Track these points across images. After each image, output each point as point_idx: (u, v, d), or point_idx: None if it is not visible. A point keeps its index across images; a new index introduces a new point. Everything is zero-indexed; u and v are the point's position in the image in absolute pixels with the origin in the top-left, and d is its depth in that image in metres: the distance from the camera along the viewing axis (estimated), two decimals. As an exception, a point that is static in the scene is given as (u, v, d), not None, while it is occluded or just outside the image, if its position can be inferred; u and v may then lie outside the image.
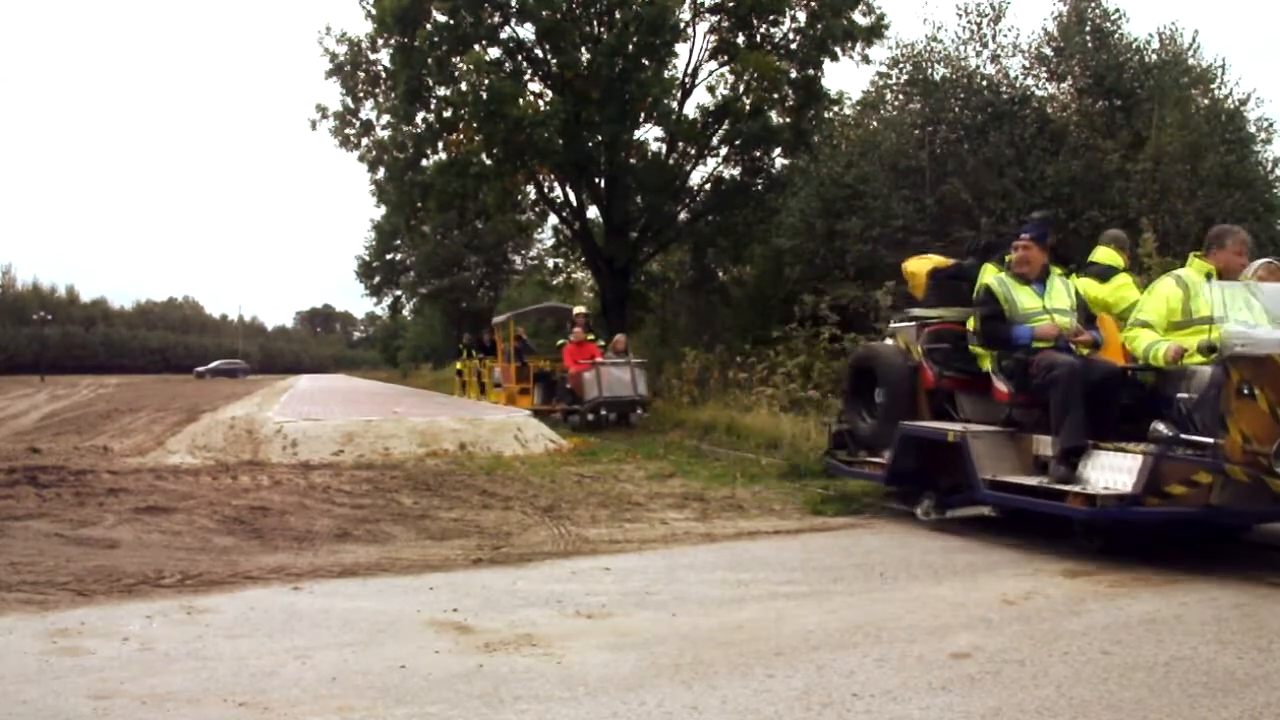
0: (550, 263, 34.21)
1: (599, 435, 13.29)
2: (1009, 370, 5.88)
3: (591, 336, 15.75)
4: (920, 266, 7.21)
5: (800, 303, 12.24)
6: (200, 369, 71.33)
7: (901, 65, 20.32)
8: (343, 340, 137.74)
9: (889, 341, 7.18)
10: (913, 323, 6.84)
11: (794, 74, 21.25)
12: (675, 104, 21.33)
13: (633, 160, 21.97)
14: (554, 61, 20.40)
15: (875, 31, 20.88)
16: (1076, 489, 5.17)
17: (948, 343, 6.54)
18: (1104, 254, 6.71)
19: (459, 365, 24.47)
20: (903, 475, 6.53)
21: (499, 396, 18.57)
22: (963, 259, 7.22)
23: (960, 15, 19.21)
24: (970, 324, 6.36)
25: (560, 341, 16.51)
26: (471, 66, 18.73)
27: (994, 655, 3.57)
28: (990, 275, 6.26)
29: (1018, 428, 5.87)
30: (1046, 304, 5.98)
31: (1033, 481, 5.50)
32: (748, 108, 21.33)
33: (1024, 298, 5.98)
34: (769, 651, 3.66)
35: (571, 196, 23.11)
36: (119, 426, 16.43)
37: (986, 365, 6.12)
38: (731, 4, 20.77)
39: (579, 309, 16.88)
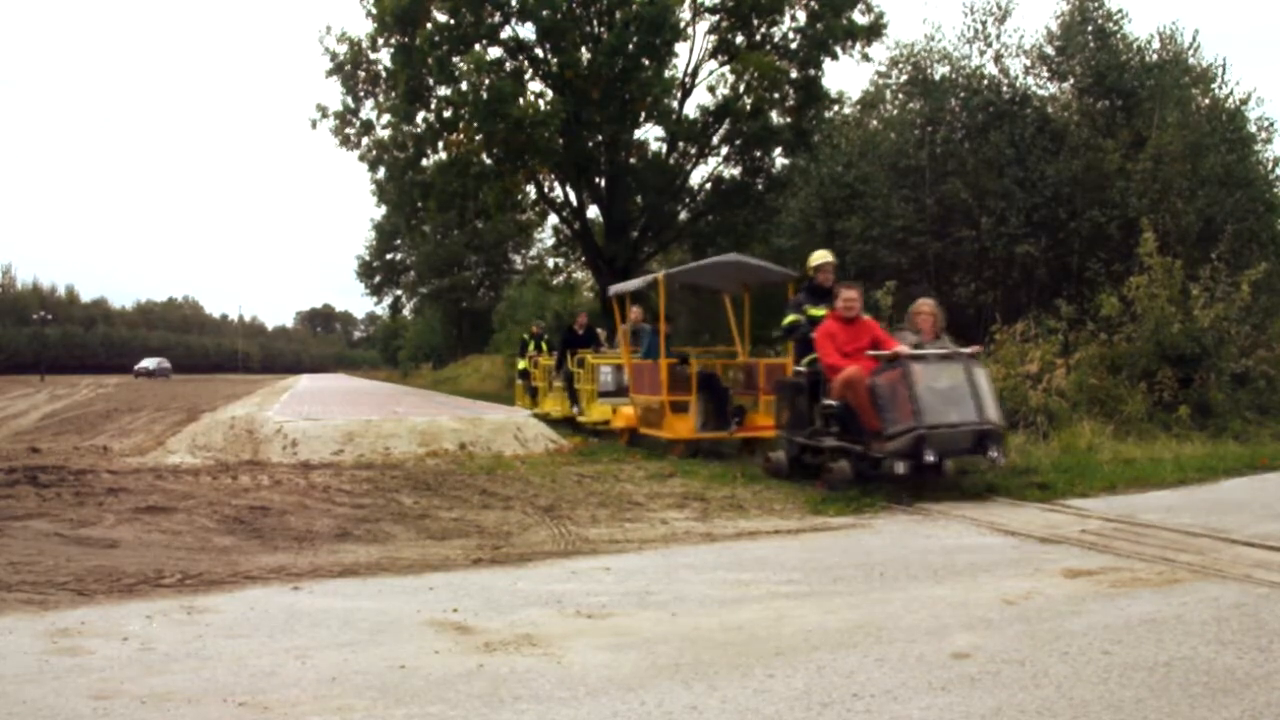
0: (550, 262, 34.25)
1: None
2: None
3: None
4: None
5: (801, 302, 12.21)
6: (137, 367, 68.97)
7: (901, 65, 20.39)
8: (343, 340, 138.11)
9: None
10: None
11: (794, 74, 21.29)
12: (675, 104, 21.39)
13: (633, 160, 22.00)
14: (554, 61, 20.42)
15: (875, 31, 20.93)
16: None
17: None
18: None
19: (523, 364, 18.27)
20: None
21: (615, 414, 12.53)
22: None
23: (966, 14, 19.31)
24: None
25: (791, 317, 9.00)
26: (472, 66, 18.74)
27: (994, 655, 3.56)
28: None
29: None
30: None
31: None
32: (748, 107, 21.37)
33: None
34: (769, 651, 3.65)
35: (571, 196, 23.13)
36: (119, 426, 16.45)
37: None
38: (731, 4, 20.79)
39: (824, 256, 9.46)
